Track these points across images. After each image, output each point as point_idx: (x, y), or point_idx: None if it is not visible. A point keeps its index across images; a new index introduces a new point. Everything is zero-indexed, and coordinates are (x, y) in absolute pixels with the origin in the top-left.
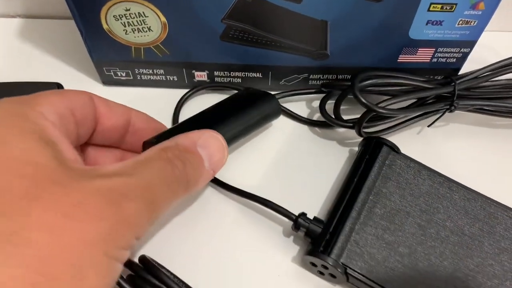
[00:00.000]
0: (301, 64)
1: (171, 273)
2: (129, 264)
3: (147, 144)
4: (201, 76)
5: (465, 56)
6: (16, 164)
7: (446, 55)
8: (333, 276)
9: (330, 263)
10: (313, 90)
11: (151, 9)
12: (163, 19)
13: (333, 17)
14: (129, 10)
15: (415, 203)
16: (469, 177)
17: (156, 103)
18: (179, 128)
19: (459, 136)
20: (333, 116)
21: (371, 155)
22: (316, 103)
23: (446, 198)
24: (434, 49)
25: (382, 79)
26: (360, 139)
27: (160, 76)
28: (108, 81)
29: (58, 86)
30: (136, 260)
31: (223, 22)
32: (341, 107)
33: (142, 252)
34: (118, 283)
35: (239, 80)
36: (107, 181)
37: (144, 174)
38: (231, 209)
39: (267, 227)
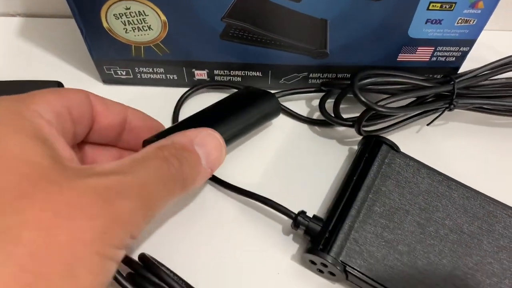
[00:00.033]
0: (301, 63)
1: (171, 271)
2: (129, 262)
3: (147, 143)
4: (201, 74)
5: (464, 55)
6: (11, 163)
7: (446, 54)
8: (332, 274)
9: (329, 261)
10: (312, 89)
11: (151, 8)
12: (163, 17)
13: (333, 16)
14: (129, 8)
15: (414, 202)
16: (468, 175)
17: (156, 102)
18: (179, 126)
19: (458, 135)
20: (332, 115)
21: (371, 153)
22: (316, 102)
23: (445, 196)
24: (433, 48)
25: (382, 78)
26: (359, 137)
27: (160, 75)
28: (108, 80)
29: (59, 84)
30: (136, 258)
31: (223, 20)
32: (341, 106)
33: (142, 250)
34: (118, 281)
35: (239, 79)
36: (103, 179)
37: (140, 172)
38: (231, 207)
39: (266, 225)
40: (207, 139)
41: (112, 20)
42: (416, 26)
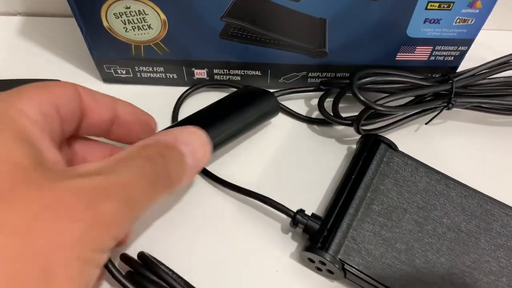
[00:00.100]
0: (300, 62)
1: (170, 269)
2: (128, 260)
3: None
4: (200, 74)
5: (462, 54)
6: None
7: (444, 53)
8: (330, 272)
9: (328, 259)
10: (311, 88)
11: (151, 7)
12: (163, 17)
13: (332, 15)
14: (129, 8)
15: (412, 200)
16: (466, 174)
17: (156, 101)
18: (178, 126)
19: (456, 134)
20: (331, 114)
21: (369, 152)
22: (315, 101)
23: (443, 195)
24: (431, 47)
25: (380, 77)
26: (358, 136)
27: (160, 74)
28: (108, 79)
29: None
30: (135, 256)
31: (222, 20)
32: (340, 105)
33: (140, 248)
34: (118, 279)
35: (239, 78)
36: (85, 180)
37: (123, 172)
38: (229, 206)
39: (265, 224)
40: (191, 137)
41: (112, 19)
42: (414, 26)
